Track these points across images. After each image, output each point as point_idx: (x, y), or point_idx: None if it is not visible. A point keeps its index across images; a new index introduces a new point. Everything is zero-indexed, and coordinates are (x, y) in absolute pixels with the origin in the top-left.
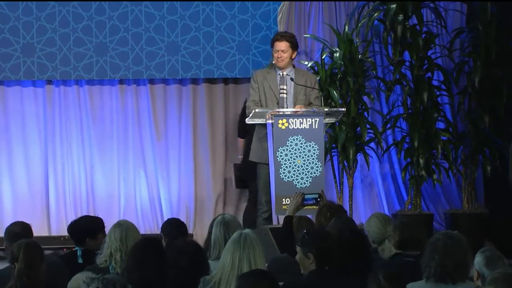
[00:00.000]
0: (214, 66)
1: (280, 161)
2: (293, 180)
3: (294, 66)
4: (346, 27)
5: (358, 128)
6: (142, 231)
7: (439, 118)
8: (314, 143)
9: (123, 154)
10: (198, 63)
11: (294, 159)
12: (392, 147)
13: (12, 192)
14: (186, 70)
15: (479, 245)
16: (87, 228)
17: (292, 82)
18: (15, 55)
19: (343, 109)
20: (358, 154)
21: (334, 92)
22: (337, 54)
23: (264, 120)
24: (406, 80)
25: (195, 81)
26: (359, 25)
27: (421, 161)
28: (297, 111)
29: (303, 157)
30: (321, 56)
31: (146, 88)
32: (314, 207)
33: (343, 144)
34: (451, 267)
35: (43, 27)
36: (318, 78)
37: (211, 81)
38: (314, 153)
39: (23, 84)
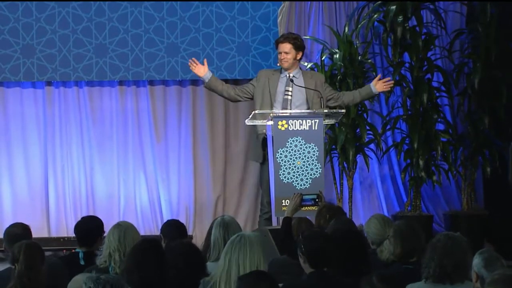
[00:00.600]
0: (214, 67)
1: (280, 163)
2: (293, 181)
3: (301, 68)
4: (346, 29)
5: (358, 130)
6: (141, 233)
7: (439, 119)
8: (313, 145)
9: (122, 155)
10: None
11: (293, 160)
12: (392, 148)
13: (11, 193)
14: (186, 71)
15: (478, 247)
16: (98, 226)
17: (299, 85)
18: (14, 56)
19: (343, 111)
20: (358, 155)
21: None
22: (337, 56)
23: (264, 121)
24: (406, 82)
25: (195, 82)
26: (359, 26)
27: (420, 162)
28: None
29: (302, 159)
30: (321, 58)
31: (145, 90)
32: (313, 208)
33: (342, 145)
34: (450, 267)
35: (42, 29)
36: None
37: None
38: (313, 155)
39: (23, 86)
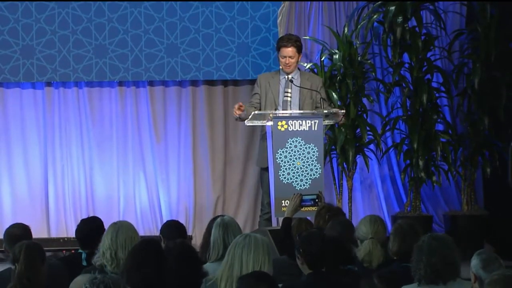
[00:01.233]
0: (213, 68)
1: (280, 163)
2: (293, 182)
3: (299, 69)
4: (346, 29)
5: (358, 130)
6: (141, 233)
7: (439, 120)
8: (313, 145)
9: (122, 156)
10: (197, 65)
11: (293, 161)
12: (392, 149)
13: (11, 194)
14: (185, 72)
15: (478, 247)
16: (98, 227)
17: (298, 85)
18: (14, 57)
19: (343, 111)
20: (358, 156)
21: (334, 94)
22: (337, 56)
23: (263, 122)
24: (406, 82)
25: (194, 83)
26: (359, 27)
27: (420, 163)
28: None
29: (302, 159)
30: (321, 58)
31: (145, 90)
32: (312, 208)
33: (342, 146)
34: (440, 265)
35: (42, 29)
36: None
37: (210, 83)
38: (313, 155)
39: (23, 86)
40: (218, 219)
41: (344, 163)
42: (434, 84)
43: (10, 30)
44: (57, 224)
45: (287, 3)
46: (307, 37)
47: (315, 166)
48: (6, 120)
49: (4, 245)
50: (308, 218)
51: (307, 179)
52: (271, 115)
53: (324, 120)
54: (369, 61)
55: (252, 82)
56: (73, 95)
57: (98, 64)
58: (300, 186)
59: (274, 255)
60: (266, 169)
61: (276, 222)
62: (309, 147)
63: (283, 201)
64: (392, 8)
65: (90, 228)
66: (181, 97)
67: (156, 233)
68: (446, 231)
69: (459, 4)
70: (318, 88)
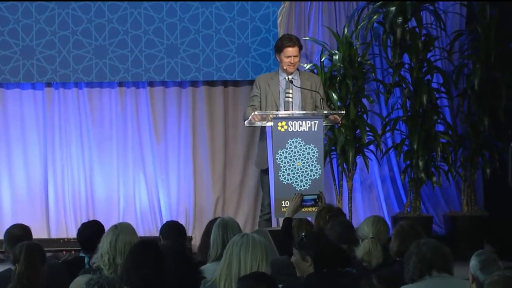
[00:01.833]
0: (213, 68)
1: (280, 164)
2: (293, 182)
3: (298, 69)
4: (346, 30)
5: (358, 131)
6: (141, 234)
7: (439, 120)
8: (313, 146)
9: (122, 156)
10: (197, 66)
11: (293, 161)
12: (392, 149)
13: (11, 194)
14: (185, 72)
15: (478, 248)
16: (99, 230)
17: (298, 86)
18: (14, 57)
19: (343, 112)
20: (358, 156)
21: (333, 94)
22: (337, 57)
23: (262, 122)
24: (406, 83)
25: (194, 83)
26: (359, 27)
27: (420, 163)
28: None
29: (302, 160)
30: (321, 59)
31: (145, 91)
32: (313, 208)
33: (342, 146)
34: (429, 254)
35: (42, 30)
36: None
37: (210, 83)
38: (313, 156)
39: (23, 87)
40: (218, 219)
41: (344, 164)
42: (434, 85)
43: (10, 30)
44: (57, 224)
45: (287, 3)
46: (307, 38)
47: (315, 166)
48: (6, 120)
49: (4, 246)
50: (309, 218)
51: (307, 180)
52: (271, 115)
53: (323, 121)
54: (369, 62)
55: (252, 82)
56: (73, 95)
57: (98, 65)
58: (300, 186)
59: (273, 255)
60: (265, 171)
61: (276, 223)
62: (309, 148)
63: (283, 202)
64: (392, 8)
65: (91, 232)
66: (181, 98)
67: (156, 233)
68: (446, 232)
69: (459, 4)
70: (317, 88)
